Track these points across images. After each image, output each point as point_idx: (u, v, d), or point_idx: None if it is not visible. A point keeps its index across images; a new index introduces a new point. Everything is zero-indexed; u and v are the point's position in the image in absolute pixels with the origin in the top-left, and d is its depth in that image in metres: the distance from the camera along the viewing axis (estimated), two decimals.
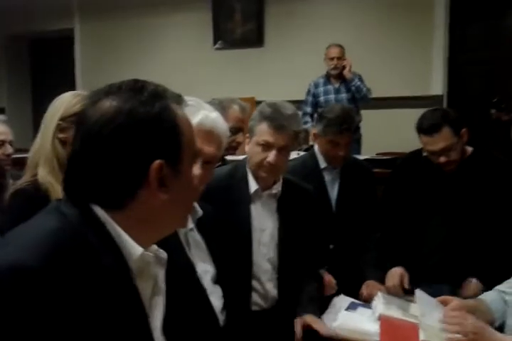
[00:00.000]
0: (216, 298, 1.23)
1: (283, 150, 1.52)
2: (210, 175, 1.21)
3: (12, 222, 0.78)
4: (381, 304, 1.59)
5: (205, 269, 1.23)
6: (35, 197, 1.31)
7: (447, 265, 1.83)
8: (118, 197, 0.70)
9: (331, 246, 1.99)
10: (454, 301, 1.43)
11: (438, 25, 4.09)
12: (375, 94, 4.14)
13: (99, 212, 0.70)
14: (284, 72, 4.50)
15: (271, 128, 1.49)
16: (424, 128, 1.75)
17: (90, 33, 5.37)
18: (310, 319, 1.50)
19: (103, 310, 0.65)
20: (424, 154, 1.86)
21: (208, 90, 4.62)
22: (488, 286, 1.59)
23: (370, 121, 4.08)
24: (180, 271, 1.08)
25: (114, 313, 0.67)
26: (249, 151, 1.55)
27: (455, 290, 1.75)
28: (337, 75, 3.77)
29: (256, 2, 4.60)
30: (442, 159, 1.76)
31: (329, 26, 4.39)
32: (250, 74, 4.68)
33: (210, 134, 1.17)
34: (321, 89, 3.84)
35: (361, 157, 2.96)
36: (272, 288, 1.61)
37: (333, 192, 2.03)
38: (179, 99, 0.75)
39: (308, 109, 3.88)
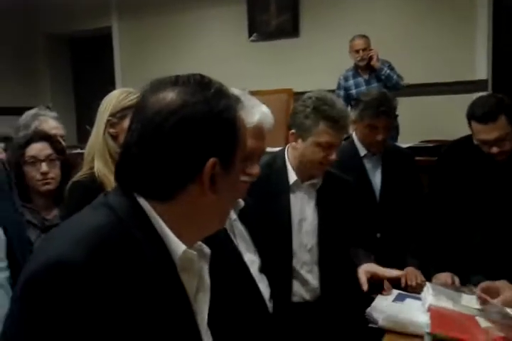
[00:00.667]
0: (263, 286, 1.26)
1: (338, 147, 1.56)
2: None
3: (69, 214, 0.80)
4: (430, 295, 1.56)
5: (251, 259, 1.26)
6: (91, 188, 1.38)
7: (491, 258, 1.76)
8: (169, 188, 0.70)
9: (378, 235, 1.97)
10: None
11: (481, 8, 3.93)
12: (418, 81, 4.04)
13: (145, 205, 0.71)
14: (321, 62, 4.45)
15: (333, 129, 1.50)
16: (479, 115, 1.67)
17: (128, 30, 5.47)
18: (371, 267, 1.52)
19: (149, 305, 0.65)
20: (475, 143, 1.78)
21: (245, 82, 4.62)
22: None
23: (410, 108, 3.99)
24: (229, 260, 1.10)
25: (161, 309, 0.67)
26: (303, 150, 1.54)
27: None
28: (365, 66, 3.71)
29: None
30: (495, 149, 1.69)
31: (366, 16, 4.30)
32: (286, 66, 4.65)
33: (264, 131, 1.19)
34: (351, 81, 3.79)
35: (403, 145, 2.90)
36: (312, 279, 1.62)
37: (376, 179, 2.01)
38: (238, 100, 0.76)
39: None
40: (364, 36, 3.72)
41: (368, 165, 2.01)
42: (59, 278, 0.60)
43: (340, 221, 1.66)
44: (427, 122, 4.01)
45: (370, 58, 3.65)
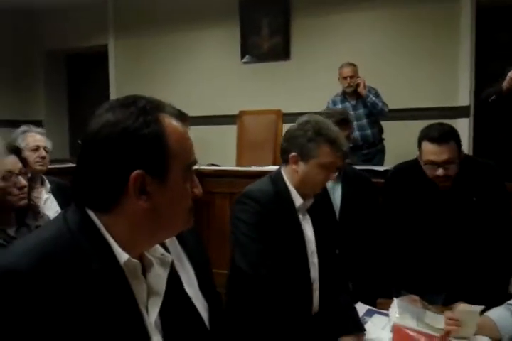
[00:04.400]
0: (200, 306, 1.23)
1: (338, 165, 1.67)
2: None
3: None
4: (396, 313, 1.63)
5: (191, 278, 1.25)
6: None
7: (444, 277, 1.83)
8: (104, 202, 0.77)
9: (337, 252, 2.04)
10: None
11: (464, 37, 4.08)
12: (400, 106, 4.16)
13: (93, 217, 0.77)
14: (310, 84, 4.57)
15: (334, 150, 1.58)
16: (434, 136, 1.77)
17: (123, 48, 5.59)
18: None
19: (96, 311, 0.70)
20: (423, 165, 1.86)
21: (237, 103, 4.76)
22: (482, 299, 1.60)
23: (396, 132, 4.10)
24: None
25: (109, 313, 0.72)
26: (306, 172, 1.59)
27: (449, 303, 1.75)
28: (352, 93, 3.87)
29: (282, 17, 4.70)
30: (441, 171, 1.78)
31: (353, 40, 4.45)
32: (277, 87, 4.77)
33: None
34: (339, 106, 3.92)
35: (384, 167, 3.00)
36: (317, 296, 1.66)
37: (336, 198, 2.12)
38: (178, 115, 0.82)
39: None
40: (352, 64, 3.87)
41: (328, 183, 2.07)
42: (4, 284, 0.66)
43: (328, 239, 1.73)
44: (411, 146, 4.11)
45: (357, 85, 3.80)
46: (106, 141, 0.76)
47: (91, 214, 0.78)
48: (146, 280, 0.82)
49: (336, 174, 2.06)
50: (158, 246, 0.86)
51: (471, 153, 4.02)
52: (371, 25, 4.39)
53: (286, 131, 1.67)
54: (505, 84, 2.24)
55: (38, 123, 2.45)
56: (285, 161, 1.65)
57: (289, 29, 4.70)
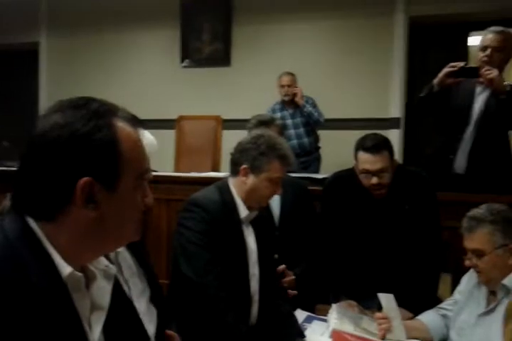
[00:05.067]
0: (150, 321, 1.21)
1: None
2: None
3: None
4: (334, 318, 1.66)
5: (141, 289, 1.24)
6: None
7: (377, 282, 1.90)
8: (48, 210, 0.71)
9: (276, 256, 2.07)
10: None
11: (397, 50, 4.29)
12: (336, 116, 4.29)
13: (34, 226, 0.71)
14: (250, 91, 4.60)
15: (284, 166, 1.62)
16: (369, 146, 1.85)
17: (56, 47, 5.34)
18: None
19: (35, 327, 0.65)
20: (358, 173, 1.93)
21: (175, 108, 4.69)
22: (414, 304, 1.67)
23: (331, 141, 4.22)
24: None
25: (50, 328, 0.67)
26: (255, 185, 1.61)
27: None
28: (290, 101, 3.95)
29: (224, 23, 4.70)
30: (375, 180, 1.86)
31: (293, 50, 4.54)
32: (217, 93, 4.75)
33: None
34: (278, 114, 3.99)
35: (322, 175, 3.07)
36: (256, 309, 1.66)
37: (274, 205, 2.16)
38: (132, 120, 0.78)
39: None
40: (290, 74, 3.96)
41: None
42: None
43: (268, 248, 1.75)
44: (345, 154, 4.25)
45: (295, 95, 3.88)
46: (53, 144, 0.70)
47: (31, 223, 0.72)
48: (89, 294, 0.77)
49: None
50: (102, 258, 0.82)
51: (401, 163, 4.23)
52: (312, 36, 4.50)
53: (239, 143, 1.67)
54: (436, 80, 2.36)
55: None
56: (234, 172, 1.65)
57: (231, 35, 4.71)
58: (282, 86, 3.91)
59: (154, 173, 3.51)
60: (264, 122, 2.34)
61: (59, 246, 0.72)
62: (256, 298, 1.64)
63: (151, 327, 1.17)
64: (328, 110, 4.11)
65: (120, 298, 0.87)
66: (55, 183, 0.70)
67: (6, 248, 0.68)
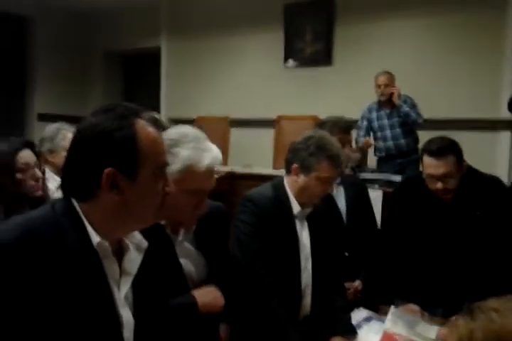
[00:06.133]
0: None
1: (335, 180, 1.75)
2: None
3: None
4: (389, 320, 1.70)
5: (188, 270, 1.40)
6: None
7: (445, 290, 1.86)
8: (83, 193, 0.90)
9: (346, 254, 2.15)
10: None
11: (508, 47, 3.99)
12: (439, 116, 4.12)
13: (76, 205, 0.90)
14: (350, 91, 4.61)
15: (333, 166, 1.67)
16: (432, 150, 1.82)
17: (175, 50, 5.85)
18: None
19: (69, 281, 0.83)
20: (424, 177, 1.90)
21: (276, 107, 4.89)
22: None
23: None
24: (167, 271, 1.26)
25: (80, 285, 0.84)
26: (305, 184, 1.69)
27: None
28: (386, 101, 3.88)
29: (326, 23, 4.77)
30: (440, 185, 1.82)
31: (395, 48, 4.45)
32: (316, 93, 4.84)
33: (213, 172, 1.35)
34: (375, 114, 3.96)
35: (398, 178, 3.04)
36: (308, 301, 1.75)
37: (341, 205, 2.21)
38: (154, 121, 0.94)
39: (361, 133, 4.01)
40: (388, 73, 3.89)
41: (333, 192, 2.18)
42: None
43: (326, 245, 1.82)
44: None
45: (392, 94, 3.81)
46: (85, 140, 0.89)
47: (74, 202, 0.91)
48: (122, 262, 0.95)
49: (338, 181, 2.18)
50: (136, 233, 0.99)
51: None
52: (413, 34, 4.37)
53: (291, 144, 1.77)
54: None
55: None
56: (288, 171, 1.76)
57: (332, 35, 4.76)
58: (378, 85, 3.87)
59: (249, 170, 3.73)
60: (350, 127, 2.35)
61: (93, 222, 0.90)
62: (308, 291, 1.73)
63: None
64: (430, 110, 3.98)
65: (151, 266, 1.04)
66: (87, 171, 0.88)
67: (52, 219, 0.88)
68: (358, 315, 1.85)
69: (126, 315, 0.94)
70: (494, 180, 1.93)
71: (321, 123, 2.28)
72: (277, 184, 1.78)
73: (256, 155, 4.73)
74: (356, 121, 4.06)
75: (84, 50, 6.44)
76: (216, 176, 3.31)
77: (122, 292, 0.94)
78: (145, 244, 0.99)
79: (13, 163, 1.66)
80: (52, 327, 0.82)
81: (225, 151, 4.72)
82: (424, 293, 1.88)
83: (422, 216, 1.96)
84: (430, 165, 1.83)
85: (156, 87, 6.07)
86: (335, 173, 1.70)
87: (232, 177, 3.59)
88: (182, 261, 1.38)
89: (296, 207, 1.74)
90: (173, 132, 1.33)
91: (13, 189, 1.61)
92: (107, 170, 0.87)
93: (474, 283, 1.82)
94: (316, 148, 1.67)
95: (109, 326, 0.90)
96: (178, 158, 1.27)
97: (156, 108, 6.01)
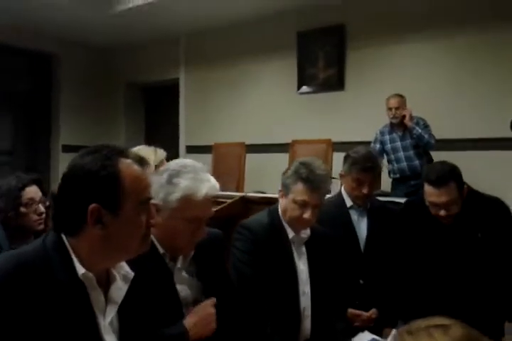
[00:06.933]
0: None
1: (316, 208, 1.70)
2: None
3: None
4: None
5: (185, 295, 1.43)
6: None
7: (447, 312, 1.82)
8: (71, 228, 0.97)
9: (361, 282, 2.10)
10: None
11: None
12: (451, 136, 4.10)
13: (64, 239, 0.98)
14: (362, 114, 4.64)
15: (307, 189, 1.67)
16: (433, 179, 1.81)
17: (192, 81, 6.04)
18: None
19: (56, 312, 0.89)
20: (427, 204, 1.91)
21: (290, 132, 4.95)
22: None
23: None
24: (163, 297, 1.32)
25: (66, 314, 0.90)
26: (285, 206, 1.74)
27: None
28: (399, 124, 3.89)
29: (338, 49, 4.85)
30: (443, 212, 1.81)
31: (407, 71, 4.47)
32: (329, 117, 4.90)
33: (210, 202, 1.40)
34: (387, 137, 3.98)
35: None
36: (308, 324, 1.76)
37: (361, 230, 2.16)
38: (138, 160, 1.01)
39: None
40: (399, 95, 3.92)
41: (353, 216, 2.17)
42: None
43: (326, 270, 1.83)
44: (465, 176, 4.02)
45: (404, 117, 3.82)
46: (72, 179, 0.98)
47: (63, 237, 0.99)
48: (109, 291, 1.02)
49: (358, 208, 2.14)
50: (124, 264, 1.06)
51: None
52: (427, 57, 4.39)
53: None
54: None
55: None
56: (280, 197, 1.80)
57: (344, 60, 4.84)
58: (390, 108, 3.90)
59: (262, 195, 3.77)
60: (370, 168, 2.13)
61: (80, 255, 0.97)
62: (307, 313, 1.74)
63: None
64: (442, 131, 3.97)
65: (139, 295, 1.10)
66: (74, 207, 0.96)
67: (42, 253, 0.96)
68: (362, 338, 1.83)
69: (110, 340, 1.00)
70: (495, 201, 1.91)
71: (344, 157, 2.20)
72: (273, 210, 1.82)
73: (271, 179, 4.74)
74: (369, 143, 4.08)
75: (107, 83, 6.71)
76: (229, 201, 3.36)
77: (107, 319, 1.00)
78: (131, 274, 1.06)
79: (19, 198, 1.78)
80: None
81: (241, 176, 4.79)
82: (427, 315, 1.85)
83: (423, 238, 1.95)
84: (432, 194, 1.82)
85: (175, 116, 6.25)
86: (310, 198, 1.67)
87: (245, 202, 3.63)
88: (180, 287, 1.42)
89: (290, 232, 1.76)
90: (173, 163, 1.43)
91: (16, 221, 1.72)
92: (91, 207, 0.95)
93: (477, 304, 1.80)
94: (293, 171, 1.71)
95: None
96: (178, 188, 1.34)
97: (176, 136, 6.19)
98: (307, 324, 1.74)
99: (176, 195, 1.33)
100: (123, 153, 1.01)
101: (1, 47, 5.59)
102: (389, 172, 4.10)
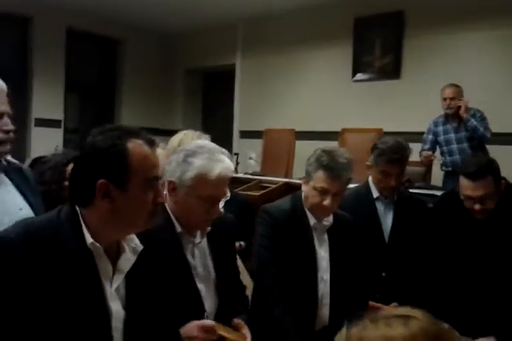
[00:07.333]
0: (206, 298, 1.45)
1: (337, 196, 1.71)
2: None
3: None
4: None
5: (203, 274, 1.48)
6: None
7: (474, 311, 1.80)
8: (83, 200, 1.05)
9: (384, 274, 2.09)
10: None
11: None
12: (509, 130, 3.92)
13: (78, 209, 1.05)
14: (416, 104, 4.53)
15: (328, 177, 1.67)
16: (470, 172, 1.77)
17: (248, 67, 6.12)
18: None
19: (63, 277, 0.95)
20: (462, 198, 1.86)
21: (341, 120, 4.91)
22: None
23: (502, 156, 3.85)
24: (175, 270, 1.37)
25: (73, 280, 0.96)
26: (307, 193, 1.76)
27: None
28: (453, 115, 3.74)
29: (395, 37, 4.74)
30: (478, 206, 1.77)
31: (464, 61, 4.31)
32: (382, 106, 4.81)
33: (224, 181, 1.43)
34: (441, 128, 3.85)
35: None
36: (326, 311, 1.79)
37: (387, 221, 2.13)
38: (148, 141, 1.07)
39: (426, 147, 3.90)
40: (454, 85, 3.77)
41: (380, 207, 2.13)
42: None
43: (347, 258, 1.84)
44: None
45: (459, 108, 3.68)
46: (85, 156, 1.06)
47: (78, 208, 1.06)
48: (118, 261, 1.09)
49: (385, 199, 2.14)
50: (134, 237, 1.13)
51: None
52: (482, 46, 4.22)
53: None
54: None
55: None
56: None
57: (401, 49, 4.72)
58: (445, 99, 3.76)
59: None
60: (397, 159, 2.04)
61: (90, 226, 1.05)
62: (326, 301, 1.76)
63: (210, 306, 1.44)
64: (500, 124, 3.81)
65: (146, 267, 1.16)
66: (85, 182, 1.04)
67: (56, 221, 1.04)
68: None
69: (116, 307, 1.07)
70: None
71: (372, 147, 2.14)
72: (296, 196, 1.85)
73: None
74: (422, 134, 3.98)
75: (168, 68, 6.93)
76: (273, 186, 3.42)
77: (114, 286, 1.07)
78: (140, 247, 1.12)
79: (64, 172, 1.88)
80: (45, 318, 0.95)
81: (290, 163, 4.83)
82: (448, 312, 1.84)
83: (455, 233, 1.91)
84: (468, 187, 1.78)
85: (231, 101, 6.37)
86: (331, 185, 1.68)
87: (289, 188, 3.68)
88: (198, 260, 1.48)
89: (312, 219, 1.78)
90: (191, 144, 1.48)
91: (58, 194, 1.82)
92: (99, 182, 1.02)
93: (501, 304, 1.76)
94: (315, 158, 1.73)
95: (98, 316, 1.02)
96: (192, 167, 1.39)
97: (230, 120, 6.31)
98: (325, 311, 1.77)
99: (190, 173, 1.38)
100: (134, 133, 1.07)
101: (73, 32, 5.93)
102: (441, 165, 3.99)
